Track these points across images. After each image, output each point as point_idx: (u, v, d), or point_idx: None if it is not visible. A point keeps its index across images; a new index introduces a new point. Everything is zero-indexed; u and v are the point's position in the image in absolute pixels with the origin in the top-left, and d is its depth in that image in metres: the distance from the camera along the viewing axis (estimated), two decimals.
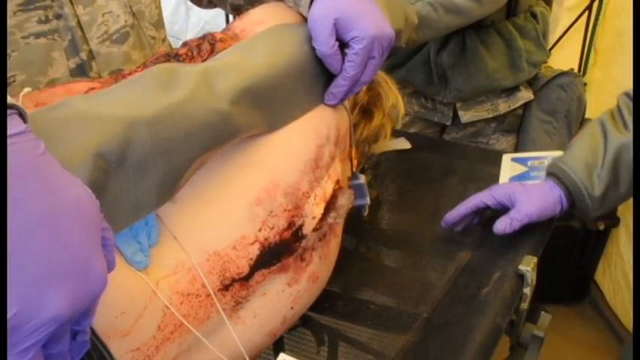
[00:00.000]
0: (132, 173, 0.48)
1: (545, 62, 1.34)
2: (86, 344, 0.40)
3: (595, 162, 0.81)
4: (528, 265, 0.80)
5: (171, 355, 0.52)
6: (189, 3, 0.96)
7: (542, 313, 0.87)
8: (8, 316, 0.32)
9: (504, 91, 1.30)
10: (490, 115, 1.32)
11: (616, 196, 0.83)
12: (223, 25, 2.45)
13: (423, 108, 1.37)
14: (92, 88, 0.56)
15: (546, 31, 1.31)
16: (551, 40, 2.62)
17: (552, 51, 2.18)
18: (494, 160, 1.06)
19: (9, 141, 0.32)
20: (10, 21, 0.65)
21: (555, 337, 1.95)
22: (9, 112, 0.33)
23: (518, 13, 1.24)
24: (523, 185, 0.85)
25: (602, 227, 1.83)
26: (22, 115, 0.35)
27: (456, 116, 1.34)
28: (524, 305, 0.81)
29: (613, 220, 1.85)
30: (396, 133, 1.22)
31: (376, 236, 0.88)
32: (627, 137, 0.80)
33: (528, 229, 0.90)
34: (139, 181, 0.49)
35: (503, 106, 1.31)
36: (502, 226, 0.83)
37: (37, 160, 0.34)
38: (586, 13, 2.27)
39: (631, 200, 1.66)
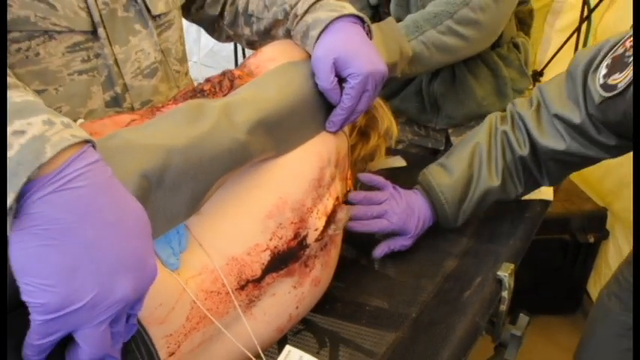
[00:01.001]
0: (167, 191, 0.59)
1: (529, 88, 1.44)
2: (135, 327, 0.51)
3: (464, 196, 0.96)
4: (506, 271, 0.90)
5: (196, 342, 0.63)
6: None
7: (521, 315, 0.97)
8: (79, 304, 0.43)
9: None
10: None
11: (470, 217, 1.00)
12: (231, 47, 2.58)
13: (416, 135, 1.48)
14: (133, 120, 0.68)
15: (527, 59, 1.42)
16: (544, 59, 2.74)
17: (545, 70, 2.30)
18: None
19: (90, 167, 0.43)
20: (59, 61, 0.76)
21: (549, 346, 2.03)
22: (87, 145, 0.44)
23: (501, 44, 1.34)
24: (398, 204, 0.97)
25: (591, 240, 1.93)
26: (94, 146, 0.46)
27: (448, 141, 1.44)
28: (503, 307, 0.91)
29: (602, 233, 1.94)
30: (393, 152, 1.33)
31: (373, 246, 0.98)
32: (495, 183, 0.95)
33: (509, 240, 1.01)
34: (172, 197, 0.60)
35: None
36: (379, 252, 0.96)
37: (109, 181, 0.45)
38: (575, 34, 2.39)
39: (620, 213, 1.75)
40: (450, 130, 1.42)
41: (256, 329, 0.71)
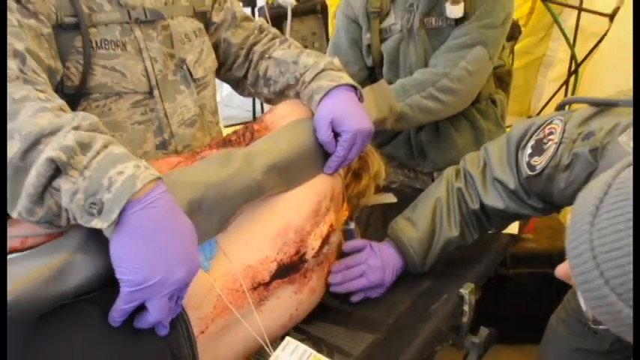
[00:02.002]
0: (204, 215, 0.82)
1: None
2: (180, 307, 0.74)
3: (429, 247, 1.13)
4: (467, 289, 1.11)
5: (219, 327, 0.85)
6: None
7: (481, 327, 1.18)
8: (153, 280, 0.66)
9: None
10: None
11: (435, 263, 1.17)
12: None
13: (406, 177, 1.71)
14: (180, 162, 0.92)
15: (504, 113, 1.66)
16: (538, 107, 2.98)
17: (539, 115, 2.55)
18: None
19: (161, 195, 0.67)
20: (124, 114, 1.00)
21: None
22: (159, 180, 0.68)
23: (480, 100, 1.58)
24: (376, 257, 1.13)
25: None
26: (162, 181, 0.70)
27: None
28: (464, 319, 1.12)
29: None
30: (386, 191, 1.56)
31: None
32: (454, 234, 1.12)
33: (475, 266, 1.22)
34: (207, 219, 0.83)
35: None
36: (356, 298, 1.11)
37: (172, 205, 0.69)
38: (565, 85, 2.64)
39: None
40: (435, 174, 1.65)
41: (264, 323, 0.93)
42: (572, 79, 2.76)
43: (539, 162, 0.97)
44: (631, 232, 0.55)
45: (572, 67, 2.74)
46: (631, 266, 0.54)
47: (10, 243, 0.75)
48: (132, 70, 0.98)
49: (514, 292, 2.12)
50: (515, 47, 2.63)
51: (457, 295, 1.11)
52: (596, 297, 0.58)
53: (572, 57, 2.74)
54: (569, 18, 2.71)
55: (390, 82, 1.48)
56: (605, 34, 2.43)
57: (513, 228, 1.37)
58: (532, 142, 1.00)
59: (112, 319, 0.69)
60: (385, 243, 1.18)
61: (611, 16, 2.44)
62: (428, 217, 1.14)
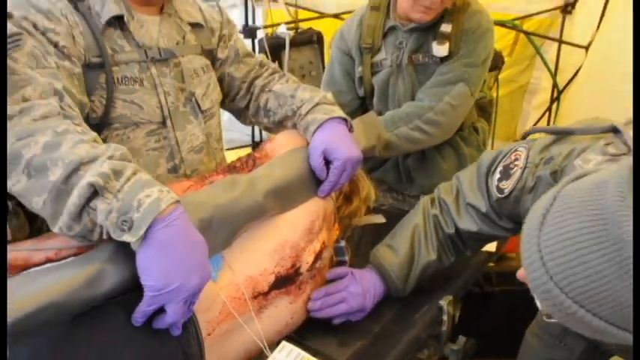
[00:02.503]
0: (213, 232, 0.95)
1: None
2: (191, 311, 0.86)
3: (409, 272, 1.22)
4: (446, 301, 1.23)
5: (223, 330, 0.97)
6: None
7: (460, 336, 1.29)
8: (172, 287, 0.78)
9: None
10: None
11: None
12: None
13: (395, 200, 1.84)
14: (191, 185, 1.05)
15: (485, 140, 1.79)
16: (524, 131, 3.12)
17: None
18: None
19: (180, 215, 0.80)
20: (140, 141, 1.14)
21: None
22: (178, 202, 0.81)
23: (464, 128, 1.72)
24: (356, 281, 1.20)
25: None
26: (180, 202, 0.82)
27: None
28: (444, 328, 1.24)
29: None
30: (376, 212, 1.68)
31: None
32: (432, 258, 1.22)
33: (455, 280, 1.34)
34: (215, 236, 0.95)
35: None
36: (338, 321, 1.18)
37: (188, 223, 0.82)
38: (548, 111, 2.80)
39: None
40: (421, 196, 1.77)
41: (263, 328, 1.05)
42: (554, 105, 2.93)
43: (507, 185, 1.08)
44: (571, 235, 0.66)
45: (555, 95, 2.91)
46: (568, 264, 0.66)
47: (46, 254, 0.87)
48: (148, 103, 1.12)
49: (499, 308, 2.24)
50: (501, 76, 2.80)
51: (436, 306, 1.23)
52: (544, 291, 0.69)
53: (554, 85, 2.91)
54: (550, 49, 2.88)
55: (380, 113, 1.62)
56: (581, 65, 2.60)
57: (491, 246, 1.49)
58: (500, 168, 1.11)
59: (134, 320, 0.81)
60: (367, 270, 1.25)
61: (587, 48, 2.61)
62: (407, 243, 1.23)
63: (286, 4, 2.74)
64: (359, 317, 1.20)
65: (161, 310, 0.81)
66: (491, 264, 2.20)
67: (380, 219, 1.63)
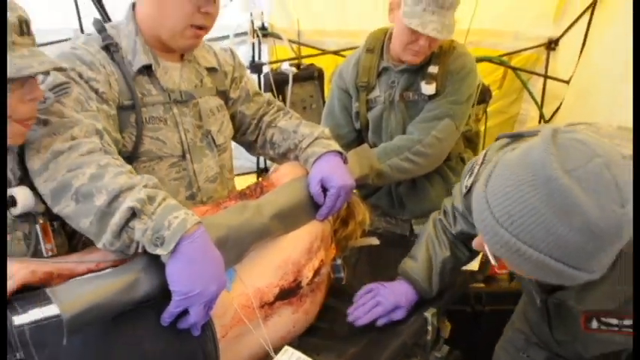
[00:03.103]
0: (227, 249, 1.11)
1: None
2: (209, 315, 1.03)
3: (430, 272, 1.40)
4: (430, 313, 1.39)
5: (235, 334, 1.13)
6: None
7: (444, 345, 1.45)
8: (195, 292, 0.95)
9: None
10: None
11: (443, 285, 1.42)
12: None
13: (388, 224, 2.02)
14: (207, 210, 1.22)
15: None
16: None
17: None
18: None
19: (201, 233, 0.97)
20: (163, 172, 1.31)
21: None
22: (200, 223, 0.98)
23: (451, 158, 1.90)
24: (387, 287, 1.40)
25: None
26: (202, 223, 0.99)
27: (412, 228, 1.98)
28: (428, 337, 1.39)
29: None
30: (371, 235, 1.85)
31: (349, 295, 1.46)
32: (446, 254, 1.39)
33: (441, 296, 1.50)
34: (230, 252, 1.12)
35: None
36: (381, 323, 1.36)
37: (209, 240, 0.99)
38: None
39: None
40: (413, 221, 1.96)
41: (268, 334, 1.20)
42: None
43: (469, 182, 1.22)
44: (509, 183, 0.82)
45: (542, 124, 3.10)
46: (509, 206, 0.82)
47: (87, 266, 1.04)
48: (170, 140, 1.29)
49: (489, 326, 2.37)
50: (492, 107, 2.99)
51: (422, 318, 1.39)
52: (492, 235, 0.85)
53: (541, 116, 3.09)
54: (536, 83, 3.08)
55: (375, 144, 1.80)
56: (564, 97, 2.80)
57: (474, 265, 1.65)
58: (470, 170, 1.25)
59: (163, 320, 0.97)
60: (396, 281, 1.43)
61: (568, 82, 2.81)
62: (423, 249, 1.43)
63: (290, 41, 2.94)
64: (401, 315, 1.36)
65: (184, 313, 0.98)
66: (481, 284, 2.36)
67: (374, 241, 1.79)
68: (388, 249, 1.80)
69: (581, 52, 2.83)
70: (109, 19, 2.81)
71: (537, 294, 1.19)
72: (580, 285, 0.95)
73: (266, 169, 3.08)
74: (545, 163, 0.79)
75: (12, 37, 0.92)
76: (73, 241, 1.25)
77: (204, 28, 1.27)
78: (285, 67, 2.67)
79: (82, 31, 2.81)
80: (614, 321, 1.07)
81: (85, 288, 0.91)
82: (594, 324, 1.10)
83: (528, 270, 0.87)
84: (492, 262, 0.95)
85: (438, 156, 1.78)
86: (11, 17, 0.92)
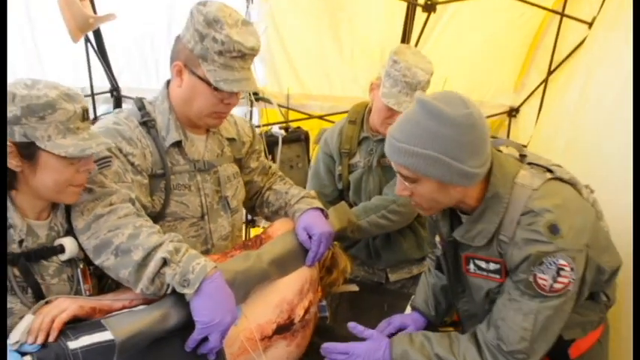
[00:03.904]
0: (235, 289, 1.36)
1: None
2: (222, 344, 1.27)
3: (425, 295, 1.73)
4: None
5: None
6: None
7: None
8: (214, 322, 1.20)
9: (415, 261, 2.22)
10: (408, 276, 2.24)
11: (438, 303, 1.72)
12: None
13: (366, 273, 2.28)
14: (218, 258, 1.48)
15: None
16: None
17: None
18: (407, 299, 1.93)
19: (218, 276, 1.23)
20: (184, 230, 1.55)
21: None
22: (216, 268, 1.24)
23: (420, 215, 2.18)
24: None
25: None
26: (217, 268, 1.25)
27: (387, 277, 2.25)
28: None
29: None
30: (351, 282, 2.10)
31: (333, 334, 1.69)
32: (433, 279, 1.72)
33: None
34: (237, 292, 1.37)
35: (415, 270, 2.22)
36: None
37: (224, 281, 1.25)
38: None
39: None
40: (388, 270, 2.23)
41: None
42: None
43: None
44: (401, 118, 1.28)
45: None
46: (402, 127, 1.26)
47: (122, 303, 1.28)
48: (193, 203, 1.55)
49: None
50: None
51: None
52: (393, 150, 1.26)
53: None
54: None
55: (355, 203, 2.09)
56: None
57: None
58: None
59: (187, 346, 1.22)
60: (410, 313, 1.75)
61: (525, 146, 3.15)
62: (421, 282, 1.76)
63: (279, 105, 3.27)
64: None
65: (204, 340, 1.22)
66: None
67: (354, 287, 2.04)
68: (366, 295, 2.06)
69: (537, 118, 3.20)
70: (114, 77, 3.12)
71: (439, 244, 1.54)
72: (466, 224, 1.38)
73: (253, 220, 3.31)
74: (421, 98, 1.24)
75: (77, 123, 1.19)
76: (101, 282, 1.49)
77: (225, 113, 1.53)
78: (276, 130, 2.98)
79: (91, 88, 3.13)
80: (483, 264, 1.39)
81: (131, 319, 1.15)
82: (471, 267, 1.44)
83: (423, 168, 1.24)
84: (398, 185, 1.33)
85: (410, 214, 2.07)
86: (77, 108, 1.19)
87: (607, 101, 2.19)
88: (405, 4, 2.93)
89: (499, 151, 1.40)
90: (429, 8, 2.81)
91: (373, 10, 3.04)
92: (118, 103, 3.26)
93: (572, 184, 1.37)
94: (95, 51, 2.98)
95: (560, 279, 1.26)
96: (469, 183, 1.27)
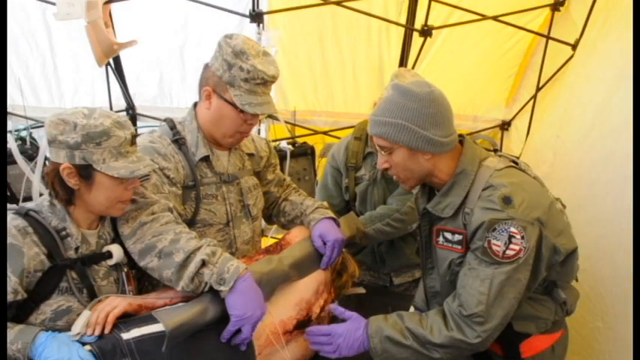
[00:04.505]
0: (261, 288, 1.55)
1: None
2: (252, 336, 1.45)
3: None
4: None
5: (267, 352, 1.54)
6: None
7: None
8: (247, 315, 1.39)
9: (417, 265, 2.40)
10: (410, 279, 2.42)
11: None
12: None
13: (372, 277, 2.47)
14: (245, 262, 1.65)
15: None
16: None
17: None
18: (410, 301, 2.11)
19: (249, 276, 1.42)
20: (211, 236, 1.73)
21: None
22: (248, 269, 1.43)
23: None
24: None
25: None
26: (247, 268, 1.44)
27: (391, 280, 2.43)
28: None
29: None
30: (358, 285, 2.28)
31: None
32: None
33: None
34: (263, 291, 1.55)
35: (417, 274, 2.41)
36: None
37: (254, 280, 1.43)
38: None
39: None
40: (392, 274, 2.41)
41: (290, 354, 1.62)
42: None
43: None
44: (380, 101, 1.55)
45: None
46: (381, 107, 1.53)
47: (164, 301, 1.46)
48: (220, 211, 1.74)
49: None
50: None
51: None
52: (372, 125, 1.51)
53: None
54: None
55: (361, 213, 2.28)
56: None
57: None
58: None
59: (222, 337, 1.40)
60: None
61: (518, 157, 3.34)
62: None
63: (286, 122, 3.46)
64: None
65: (237, 333, 1.40)
66: None
67: (361, 290, 2.22)
68: (372, 297, 2.24)
69: (528, 132, 3.40)
70: (130, 96, 3.32)
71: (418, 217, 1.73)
72: (437, 196, 1.56)
73: (261, 230, 3.48)
74: (395, 83, 1.53)
75: (126, 147, 1.38)
76: (140, 284, 1.67)
77: (247, 132, 1.73)
78: (283, 144, 3.17)
79: (110, 107, 3.33)
80: (449, 235, 1.57)
81: (177, 312, 1.34)
82: (440, 239, 1.60)
83: (393, 135, 1.47)
84: (379, 160, 1.56)
85: (412, 221, 2.26)
86: (127, 134, 1.38)
87: (588, 115, 2.40)
88: (402, 29, 3.14)
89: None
90: (426, 33, 3.00)
91: (374, 35, 3.25)
92: (133, 120, 3.46)
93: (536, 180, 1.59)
94: (114, 72, 3.18)
95: (512, 246, 1.41)
96: (434, 149, 1.48)
